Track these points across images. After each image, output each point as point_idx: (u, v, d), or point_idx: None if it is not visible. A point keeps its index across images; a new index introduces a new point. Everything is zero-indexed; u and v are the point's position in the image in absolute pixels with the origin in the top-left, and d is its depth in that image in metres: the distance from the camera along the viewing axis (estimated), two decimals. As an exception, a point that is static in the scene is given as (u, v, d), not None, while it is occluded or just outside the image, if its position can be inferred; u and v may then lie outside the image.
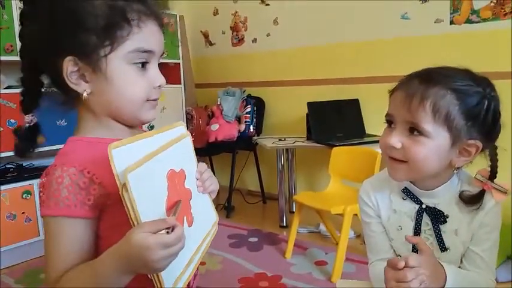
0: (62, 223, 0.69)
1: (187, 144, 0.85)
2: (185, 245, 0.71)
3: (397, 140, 0.84)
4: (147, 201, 0.64)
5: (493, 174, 0.86)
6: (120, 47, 0.71)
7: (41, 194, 0.72)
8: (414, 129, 0.83)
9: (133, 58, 0.73)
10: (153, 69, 0.77)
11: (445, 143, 0.82)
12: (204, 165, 0.88)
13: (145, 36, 0.74)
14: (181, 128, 0.84)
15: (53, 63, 0.72)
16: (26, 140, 0.80)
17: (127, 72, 0.73)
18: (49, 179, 0.71)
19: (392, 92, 0.88)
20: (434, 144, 0.82)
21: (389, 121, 0.88)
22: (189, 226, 0.76)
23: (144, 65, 0.75)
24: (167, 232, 0.61)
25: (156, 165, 0.68)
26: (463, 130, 0.81)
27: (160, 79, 0.78)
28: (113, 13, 0.71)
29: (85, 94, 0.73)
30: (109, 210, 0.65)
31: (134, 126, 0.82)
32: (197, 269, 0.88)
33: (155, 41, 0.76)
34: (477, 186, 0.87)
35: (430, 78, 0.82)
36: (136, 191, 0.61)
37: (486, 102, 0.81)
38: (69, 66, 0.71)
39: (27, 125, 0.80)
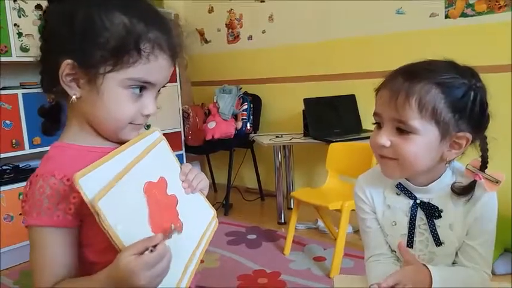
0: (45, 233, 0.70)
1: (164, 149, 0.84)
2: (179, 250, 0.72)
3: (385, 138, 0.84)
4: (126, 221, 0.64)
5: (484, 165, 0.86)
6: (122, 71, 0.71)
7: (23, 204, 0.72)
8: (402, 127, 0.82)
9: (130, 84, 0.72)
10: (148, 97, 0.76)
11: (434, 137, 0.82)
12: (188, 166, 0.88)
13: (151, 69, 0.73)
14: (156, 133, 0.84)
15: (54, 59, 0.72)
16: (51, 119, 0.81)
17: (119, 95, 0.72)
18: (31, 189, 0.71)
19: (378, 91, 0.88)
20: (423, 140, 0.81)
21: (377, 121, 0.88)
22: (179, 232, 0.76)
23: (140, 91, 0.75)
24: (151, 251, 0.61)
25: (129, 183, 0.67)
26: (451, 123, 0.81)
27: (151, 109, 0.77)
28: (127, 37, 0.70)
29: (74, 98, 0.73)
30: (89, 219, 0.64)
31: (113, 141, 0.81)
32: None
33: (160, 75, 0.76)
34: (469, 178, 0.87)
35: (413, 74, 0.82)
36: (111, 216, 0.61)
37: (472, 94, 0.81)
38: (67, 69, 0.71)
39: (48, 104, 0.80)
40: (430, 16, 2.59)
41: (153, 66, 0.73)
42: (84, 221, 0.71)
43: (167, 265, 0.63)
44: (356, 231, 2.60)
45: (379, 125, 0.88)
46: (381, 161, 0.88)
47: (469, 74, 0.82)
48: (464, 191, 0.87)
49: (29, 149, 2.42)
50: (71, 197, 0.69)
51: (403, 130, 0.82)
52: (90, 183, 0.61)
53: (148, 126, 0.84)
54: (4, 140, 2.32)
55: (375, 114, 0.88)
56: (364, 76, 2.86)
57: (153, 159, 0.77)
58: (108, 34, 0.69)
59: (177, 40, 0.78)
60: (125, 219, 0.64)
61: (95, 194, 0.60)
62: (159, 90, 0.80)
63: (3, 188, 2.32)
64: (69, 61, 0.70)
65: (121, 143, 0.76)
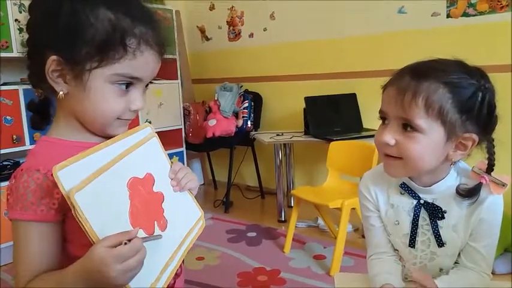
0: (29, 227, 0.70)
1: (154, 146, 0.84)
2: (159, 248, 0.72)
3: (390, 137, 0.83)
4: (104, 216, 0.64)
5: (490, 167, 0.85)
6: (108, 67, 0.70)
7: (8, 197, 0.72)
8: (407, 126, 0.81)
9: (117, 80, 0.72)
10: (135, 92, 0.76)
11: (440, 138, 0.81)
12: (178, 164, 0.87)
13: (137, 64, 0.72)
14: (147, 129, 0.83)
15: (40, 54, 0.72)
16: (40, 113, 0.81)
17: (106, 91, 0.72)
18: (16, 182, 0.71)
19: (384, 88, 0.87)
20: (428, 140, 0.80)
21: (383, 117, 0.87)
22: (162, 230, 0.76)
23: (127, 87, 0.74)
24: (125, 244, 0.61)
25: (112, 177, 0.67)
26: (457, 124, 0.80)
27: (139, 104, 0.76)
28: (112, 33, 0.69)
29: (61, 93, 0.73)
30: (72, 213, 0.64)
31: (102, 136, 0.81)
32: (180, 268, 0.88)
33: (147, 70, 0.75)
34: (475, 180, 0.86)
35: (421, 72, 0.81)
36: (88, 210, 0.61)
37: (480, 94, 0.79)
38: (53, 65, 0.71)
39: (37, 99, 0.80)
40: (431, 15, 2.59)
41: (140, 61, 0.72)
42: (67, 216, 0.71)
43: (140, 260, 0.63)
44: (356, 229, 2.61)
45: (383, 122, 0.87)
46: (385, 160, 0.87)
47: (478, 74, 0.81)
48: (469, 194, 0.86)
49: (30, 144, 2.42)
50: (54, 192, 0.69)
51: (408, 129, 0.81)
52: (69, 176, 0.61)
53: (150, 123, 0.84)
54: (5, 135, 2.32)
55: (381, 111, 0.87)
56: (365, 75, 2.86)
57: (141, 155, 0.77)
58: (93, 30, 0.68)
59: (161, 35, 0.77)
60: (102, 214, 0.63)
61: (73, 187, 0.60)
62: (147, 86, 0.80)
63: (4, 183, 2.32)
64: (54, 57, 0.70)
65: (109, 138, 0.76)
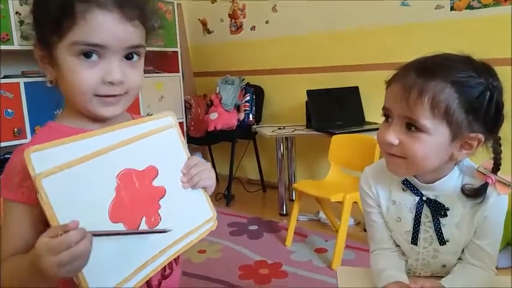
0: (12, 207, 0.71)
1: (171, 136, 0.79)
2: (138, 247, 0.69)
3: (394, 136, 0.80)
4: (76, 204, 0.62)
5: (496, 167, 0.83)
6: (65, 38, 0.70)
7: (2, 176, 0.74)
8: (412, 125, 0.79)
9: (79, 50, 0.70)
10: (107, 63, 0.72)
11: (445, 138, 0.78)
12: (195, 159, 0.82)
13: (91, 29, 0.69)
14: (168, 119, 0.79)
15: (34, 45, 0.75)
16: None
17: (72, 64, 0.71)
18: (9, 162, 0.73)
19: (388, 84, 0.84)
20: (433, 141, 0.78)
21: (386, 115, 0.84)
22: (149, 227, 0.72)
23: (89, 56, 0.71)
24: (60, 235, 0.58)
25: (97, 166, 0.66)
26: (463, 124, 0.77)
27: (114, 75, 0.72)
28: (62, 3, 0.69)
29: (50, 79, 0.75)
30: None
31: (100, 119, 0.79)
32: (171, 269, 0.85)
33: (107, 35, 0.71)
34: (479, 179, 0.84)
35: (428, 70, 0.78)
36: (55, 196, 0.60)
37: (488, 94, 0.76)
38: (36, 50, 0.74)
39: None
40: (435, 8, 2.56)
41: (93, 26, 0.69)
42: None
43: (75, 255, 0.58)
44: (358, 223, 2.61)
45: (387, 119, 0.84)
46: (388, 158, 0.85)
47: (487, 72, 0.78)
48: (475, 194, 0.84)
49: (31, 137, 2.41)
50: None
51: (412, 129, 0.79)
52: (44, 160, 0.60)
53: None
54: (6, 128, 2.32)
55: (384, 108, 0.84)
56: (368, 68, 2.84)
57: (148, 145, 0.74)
58: (49, 6, 0.70)
59: None
60: (75, 203, 0.62)
61: (42, 171, 0.59)
62: (131, 57, 0.75)
63: (6, 176, 2.32)
64: (35, 41, 0.73)
65: (107, 122, 0.76)
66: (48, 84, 0.76)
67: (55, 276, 0.60)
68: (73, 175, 0.63)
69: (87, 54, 0.71)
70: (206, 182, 0.82)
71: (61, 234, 0.58)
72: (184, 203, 0.79)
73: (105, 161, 0.67)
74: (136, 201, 0.71)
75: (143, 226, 0.71)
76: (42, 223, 0.71)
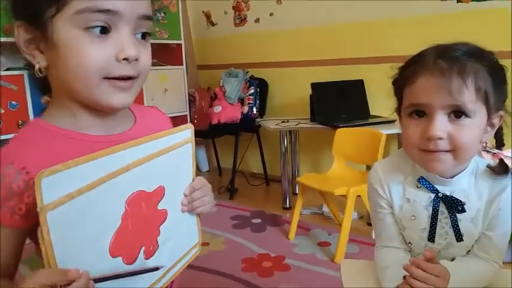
0: None
1: (185, 153, 0.73)
2: (133, 283, 0.63)
3: (442, 130, 0.76)
4: (76, 238, 0.55)
5: (500, 143, 0.85)
6: (67, 7, 0.57)
7: None
8: (456, 113, 0.76)
9: (85, 21, 0.58)
10: (119, 36, 0.60)
11: (484, 120, 0.79)
12: (200, 182, 0.76)
13: None
14: (187, 132, 0.72)
15: (14, 28, 0.62)
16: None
17: (73, 39, 0.58)
18: None
19: (412, 81, 0.80)
20: (476, 124, 0.78)
21: (419, 112, 0.80)
22: (146, 259, 0.67)
23: (104, 30, 0.59)
24: (60, 287, 0.51)
25: (108, 191, 0.57)
26: (494, 104, 0.79)
27: (127, 50, 0.60)
28: None
29: (37, 66, 0.62)
30: None
31: (106, 112, 0.67)
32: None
33: None
34: (490, 159, 0.84)
35: (458, 55, 0.77)
36: (56, 231, 0.51)
37: (505, 73, 0.81)
38: (21, 32, 0.61)
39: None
40: (442, 0, 2.53)
41: None
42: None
43: None
44: (361, 217, 2.60)
45: (417, 117, 0.81)
46: (430, 157, 0.79)
47: (493, 54, 0.82)
48: (501, 170, 0.83)
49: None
50: (25, 195, 0.58)
51: (458, 117, 0.77)
52: (55, 186, 0.51)
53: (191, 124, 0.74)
54: (10, 120, 2.32)
55: (419, 104, 0.79)
56: (374, 61, 2.82)
57: (163, 163, 0.66)
58: None
59: None
60: (74, 236, 0.54)
61: (49, 202, 0.50)
62: (144, 37, 0.65)
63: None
64: (20, 22, 0.61)
65: (109, 115, 0.64)
66: (38, 74, 0.62)
67: None
68: (82, 203, 0.54)
69: (94, 27, 0.59)
70: (206, 209, 0.78)
71: (61, 287, 0.51)
72: (179, 228, 0.75)
73: (118, 184, 0.59)
74: (139, 228, 0.65)
75: (141, 256, 0.66)
76: (23, 244, 0.64)
